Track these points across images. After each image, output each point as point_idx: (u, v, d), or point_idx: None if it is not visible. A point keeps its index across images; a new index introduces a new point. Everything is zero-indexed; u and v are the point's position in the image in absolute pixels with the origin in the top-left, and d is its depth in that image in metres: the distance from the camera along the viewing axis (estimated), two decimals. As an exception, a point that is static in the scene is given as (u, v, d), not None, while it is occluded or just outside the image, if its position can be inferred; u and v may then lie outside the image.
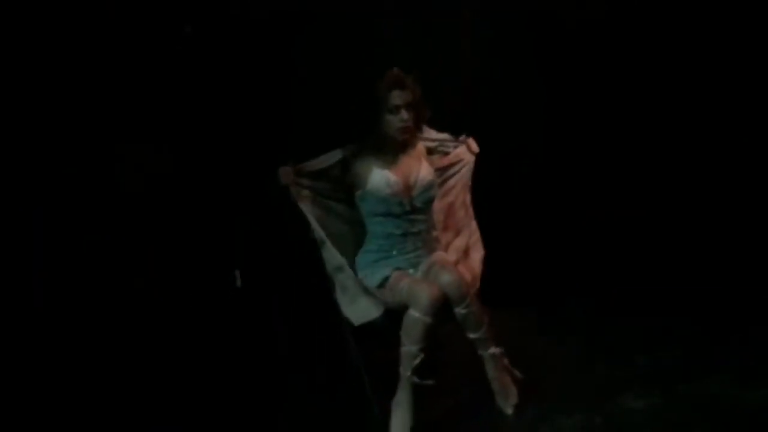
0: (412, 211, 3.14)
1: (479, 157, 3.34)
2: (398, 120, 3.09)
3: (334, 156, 3.17)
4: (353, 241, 3.23)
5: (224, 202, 3.82)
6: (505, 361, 3.10)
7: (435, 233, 3.24)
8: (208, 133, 3.85)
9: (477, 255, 3.30)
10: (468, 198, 3.34)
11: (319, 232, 3.06)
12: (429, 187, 3.17)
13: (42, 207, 3.59)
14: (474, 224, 3.33)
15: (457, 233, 3.32)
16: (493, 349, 3.06)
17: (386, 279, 3.07)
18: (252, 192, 3.73)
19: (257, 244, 3.88)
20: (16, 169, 3.54)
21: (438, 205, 3.28)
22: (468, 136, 3.36)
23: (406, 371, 2.95)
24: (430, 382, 2.97)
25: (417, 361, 2.93)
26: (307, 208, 3.08)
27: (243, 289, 3.75)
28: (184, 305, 3.79)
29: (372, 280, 3.10)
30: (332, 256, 3.07)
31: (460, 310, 3.00)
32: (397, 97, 3.07)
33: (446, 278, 3.00)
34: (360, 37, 3.98)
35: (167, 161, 3.84)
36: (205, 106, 3.82)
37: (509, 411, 3.09)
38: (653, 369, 3.40)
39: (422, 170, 3.17)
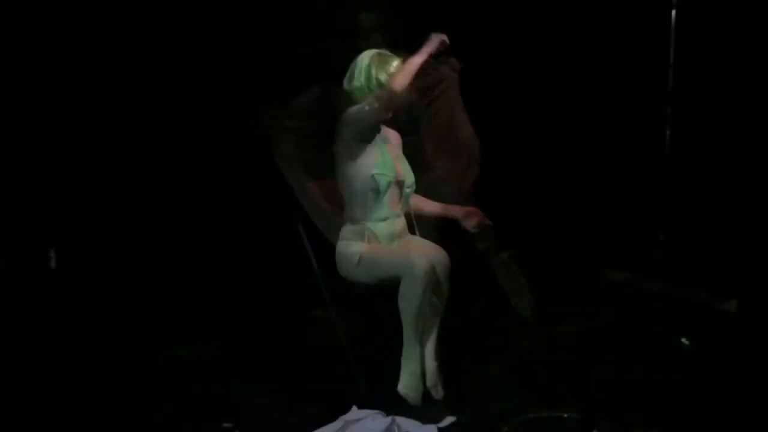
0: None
1: (462, 74, 3.26)
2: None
3: (313, 93, 3.13)
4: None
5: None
6: (514, 266, 3.12)
7: (427, 156, 3.23)
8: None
9: (470, 179, 3.26)
10: (461, 117, 3.22)
11: (294, 182, 3.00)
12: (412, 106, 3.15)
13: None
14: (475, 144, 3.20)
15: (452, 154, 3.23)
16: (502, 255, 3.08)
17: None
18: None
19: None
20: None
21: (427, 128, 3.25)
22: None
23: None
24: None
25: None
26: (290, 152, 3.01)
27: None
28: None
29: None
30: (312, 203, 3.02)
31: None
32: (364, 21, 3.07)
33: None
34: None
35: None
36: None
37: (527, 314, 3.11)
38: (652, 267, 3.49)
39: None
